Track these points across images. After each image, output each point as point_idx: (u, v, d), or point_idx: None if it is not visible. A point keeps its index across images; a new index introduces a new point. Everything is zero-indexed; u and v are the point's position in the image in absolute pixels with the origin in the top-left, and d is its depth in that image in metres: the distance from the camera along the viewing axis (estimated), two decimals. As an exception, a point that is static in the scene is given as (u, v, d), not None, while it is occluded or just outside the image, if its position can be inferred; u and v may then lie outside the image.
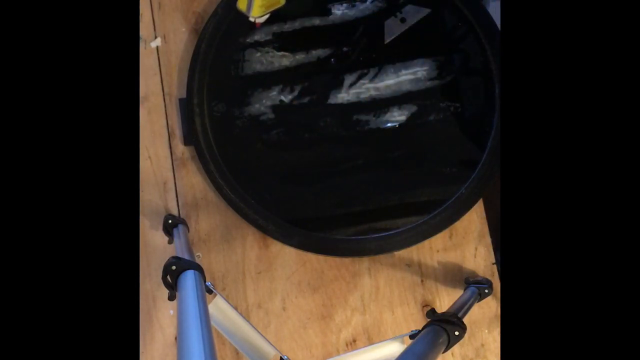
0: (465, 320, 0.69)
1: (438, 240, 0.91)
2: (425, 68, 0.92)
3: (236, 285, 0.91)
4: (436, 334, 0.64)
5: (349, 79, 0.93)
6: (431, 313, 0.88)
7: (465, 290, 0.87)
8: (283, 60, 0.94)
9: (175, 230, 0.86)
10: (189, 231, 0.91)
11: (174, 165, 0.95)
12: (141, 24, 0.98)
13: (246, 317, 0.84)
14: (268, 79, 0.93)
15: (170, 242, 0.90)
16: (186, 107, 0.94)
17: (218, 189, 0.91)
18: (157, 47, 0.98)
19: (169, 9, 0.99)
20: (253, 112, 0.92)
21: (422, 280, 0.91)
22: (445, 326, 0.65)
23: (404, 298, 0.90)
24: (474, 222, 0.91)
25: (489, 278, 0.89)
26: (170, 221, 0.87)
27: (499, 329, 0.88)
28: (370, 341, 0.89)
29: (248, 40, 0.95)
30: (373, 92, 0.92)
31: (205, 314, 0.57)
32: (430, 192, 0.90)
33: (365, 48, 0.93)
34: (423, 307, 0.90)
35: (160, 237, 0.91)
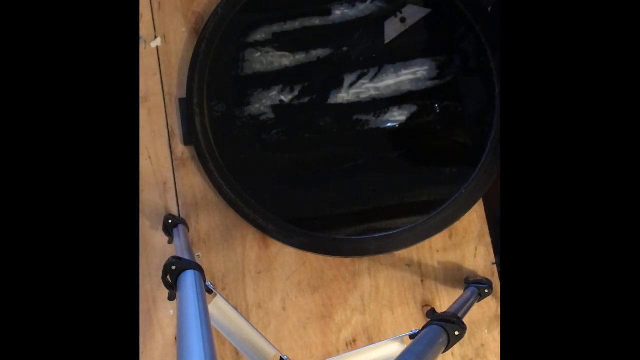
0: (465, 320, 0.69)
1: (438, 240, 0.91)
2: (425, 68, 0.92)
3: (236, 285, 0.91)
4: (436, 334, 0.64)
5: (349, 79, 0.93)
6: (431, 313, 0.88)
7: (465, 290, 0.87)
8: (283, 60, 0.94)
9: (175, 230, 0.86)
10: (189, 231, 0.91)
11: (174, 165, 0.95)
12: (141, 24, 0.98)
13: (246, 317, 0.84)
14: (268, 79, 0.93)
15: (170, 242, 0.90)
16: (186, 107, 0.94)
17: (218, 188, 0.91)
18: (157, 47, 0.98)
19: (169, 9, 0.99)
20: (253, 112, 0.93)
21: (422, 280, 0.91)
22: (445, 326, 0.65)
23: (404, 298, 0.90)
24: (474, 222, 0.91)
25: (489, 278, 0.89)
26: (170, 221, 0.87)
27: (499, 329, 0.88)
28: (370, 341, 0.89)
29: (248, 40, 0.95)
30: (373, 92, 0.92)
31: (205, 314, 0.57)
32: (430, 192, 0.90)
33: (365, 48, 0.93)
34: (423, 307, 0.90)
35: (160, 237, 0.91)
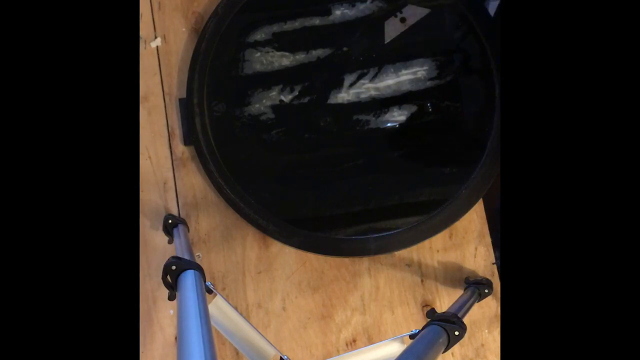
0: (465, 320, 0.69)
1: (438, 240, 0.91)
2: (425, 68, 0.92)
3: (236, 285, 0.91)
4: (436, 334, 0.64)
5: (349, 79, 0.93)
6: (431, 313, 0.88)
7: (465, 290, 0.87)
8: (283, 60, 0.94)
9: (175, 230, 0.86)
10: (189, 231, 0.91)
11: (174, 165, 0.95)
12: (141, 24, 0.98)
13: (246, 317, 0.84)
14: (268, 79, 0.93)
15: (170, 242, 0.90)
16: (186, 107, 0.94)
17: (218, 189, 0.91)
18: (157, 47, 0.98)
19: (169, 9, 0.99)
20: (253, 112, 0.93)
21: (422, 280, 0.91)
22: (445, 326, 0.65)
23: (404, 298, 0.90)
24: (474, 222, 0.91)
25: (489, 278, 0.89)
26: (170, 221, 0.87)
27: (499, 329, 0.88)
28: (370, 341, 0.89)
29: (248, 40, 0.95)
30: (373, 92, 0.92)
31: (205, 314, 0.57)
32: (430, 192, 0.90)
33: (365, 48, 0.93)
34: (423, 307, 0.90)
35: (160, 237, 0.91)
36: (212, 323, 0.70)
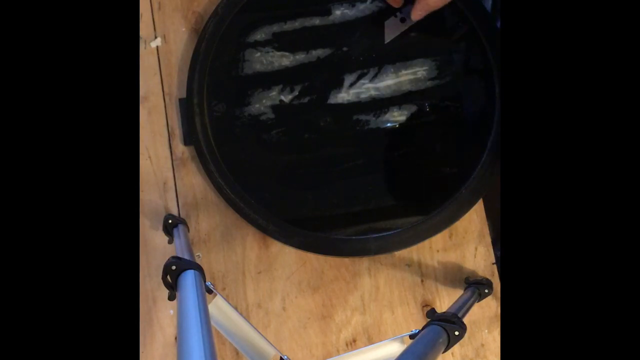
0: (465, 320, 0.69)
1: (438, 240, 0.91)
2: (425, 68, 0.92)
3: (236, 285, 0.91)
4: (436, 334, 0.64)
5: (349, 79, 0.93)
6: (431, 313, 0.88)
7: (465, 290, 0.87)
8: (283, 60, 0.94)
9: (175, 230, 0.86)
10: (189, 231, 0.91)
11: (174, 165, 0.95)
12: (141, 24, 0.98)
13: (246, 317, 0.84)
14: (268, 79, 0.93)
15: (170, 242, 0.90)
16: (186, 107, 0.94)
17: (218, 189, 0.91)
18: (157, 47, 0.98)
19: (169, 9, 0.99)
20: (253, 112, 0.93)
21: (422, 280, 0.91)
22: (445, 326, 0.65)
23: (404, 298, 0.90)
24: (474, 222, 0.91)
25: (489, 278, 0.89)
26: (170, 221, 0.87)
27: (499, 329, 0.88)
28: (370, 341, 0.89)
29: (248, 40, 0.95)
30: (373, 92, 0.92)
31: (205, 314, 0.57)
32: (430, 192, 0.90)
33: (365, 48, 0.93)
34: (423, 307, 0.90)
35: (160, 237, 0.91)
36: (212, 323, 0.70)
